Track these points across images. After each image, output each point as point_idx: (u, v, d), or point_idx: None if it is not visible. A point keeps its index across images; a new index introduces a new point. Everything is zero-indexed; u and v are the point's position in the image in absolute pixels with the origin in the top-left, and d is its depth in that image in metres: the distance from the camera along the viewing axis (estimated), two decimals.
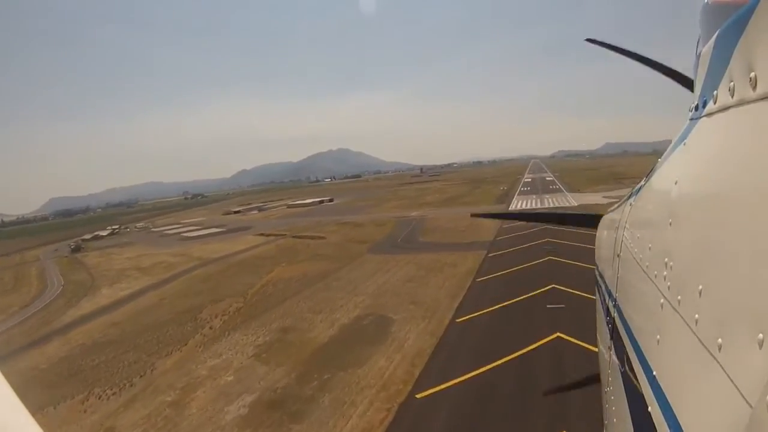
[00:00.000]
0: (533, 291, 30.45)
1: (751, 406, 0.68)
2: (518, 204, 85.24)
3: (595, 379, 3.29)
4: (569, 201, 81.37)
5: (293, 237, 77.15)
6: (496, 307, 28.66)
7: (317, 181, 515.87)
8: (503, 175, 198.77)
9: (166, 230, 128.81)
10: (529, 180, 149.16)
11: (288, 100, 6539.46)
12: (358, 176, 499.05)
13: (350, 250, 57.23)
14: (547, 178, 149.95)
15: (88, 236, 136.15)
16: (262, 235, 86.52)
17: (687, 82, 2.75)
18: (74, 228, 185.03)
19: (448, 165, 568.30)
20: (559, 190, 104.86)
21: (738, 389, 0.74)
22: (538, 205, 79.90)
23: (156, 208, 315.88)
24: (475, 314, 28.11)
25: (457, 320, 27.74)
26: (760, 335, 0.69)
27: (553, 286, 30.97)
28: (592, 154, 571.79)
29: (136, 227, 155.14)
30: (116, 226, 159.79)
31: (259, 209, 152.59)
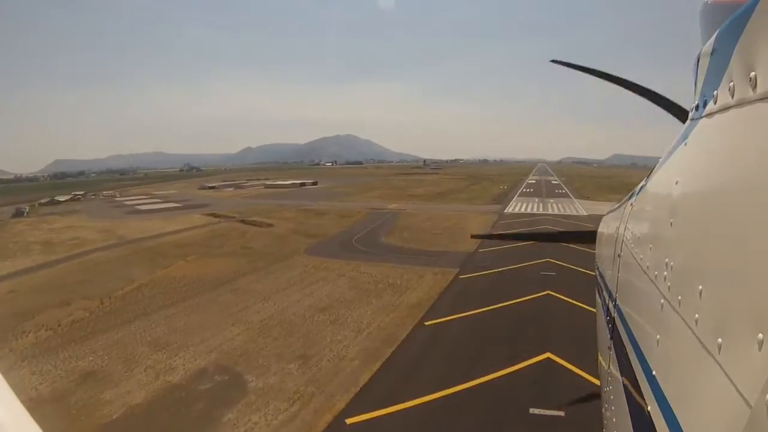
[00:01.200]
0: (512, 365, 16.85)
1: (750, 406, 0.67)
2: (517, 207, 71.24)
3: None
4: (577, 209, 67.42)
5: (240, 221, 64.11)
6: (436, 396, 14.96)
7: (317, 164, 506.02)
8: (507, 174, 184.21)
9: (126, 201, 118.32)
10: (533, 182, 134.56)
11: (299, 83, 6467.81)
12: (360, 163, 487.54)
13: (287, 247, 43.71)
14: (553, 182, 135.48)
15: (44, 200, 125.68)
16: (211, 215, 73.85)
17: (662, 102, 2.87)
18: (57, 189, 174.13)
19: (454, 161, 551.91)
20: (565, 196, 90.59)
21: (737, 389, 0.73)
22: (540, 210, 65.98)
23: (148, 177, 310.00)
24: (392, 410, 14.40)
25: (348, 421, 14.02)
26: (760, 336, 0.68)
27: (548, 356, 17.40)
28: (600, 163, 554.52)
29: (102, 195, 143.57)
30: (80, 192, 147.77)
31: (236, 187, 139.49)
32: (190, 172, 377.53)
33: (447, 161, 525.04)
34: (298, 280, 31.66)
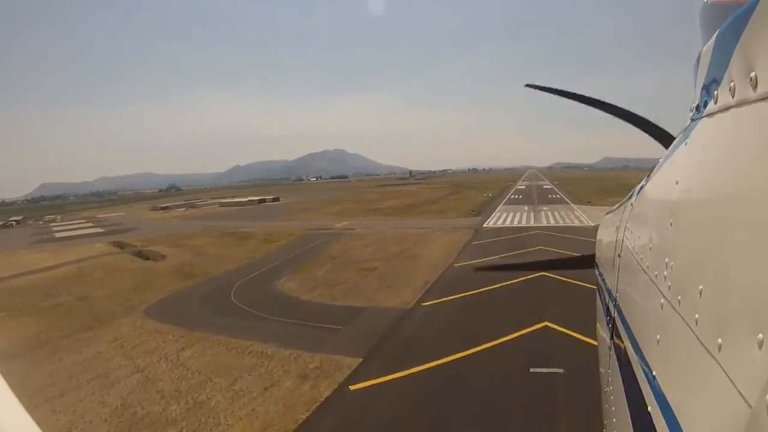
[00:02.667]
0: None
1: (750, 406, 0.67)
2: (500, 219, 55.93)
3: None
4: (579, 218, 52.25)
5: (134, 252, 48.51)
6: None
7: (301, 179, 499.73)
8: (495, 181, 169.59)
9: (57, 227, 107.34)
10: (523, 188, 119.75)
11: (287, 99, 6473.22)
12: (345, 177, 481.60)
13: (137, 297, 27.98)
14: (545, 186, 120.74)
15: None
16: (113, 244, 58.74)
17: (644, 125, 2.91)
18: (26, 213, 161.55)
19: (443, 171, 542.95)
20: (561, 201, 75.56)
21: (737, 389, 0.74)
22: (531, 222, 50.77)
23: (121, 198, 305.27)
24: None
25: None
26: (760, 335, 0.69)
27: None
28: (591, 167, 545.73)
29: (43, 220, 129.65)
30: (17, 218, 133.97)
31: (188, 206, 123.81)
32: (170, 192, 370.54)
33: (436, 172, 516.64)
34: (37, 390, 15.84)
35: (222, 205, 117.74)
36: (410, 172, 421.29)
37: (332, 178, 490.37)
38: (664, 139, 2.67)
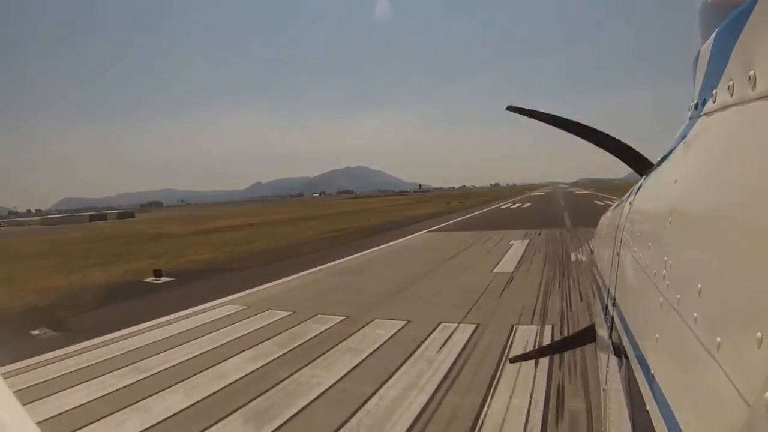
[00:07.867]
0: None
1: (748, 405, 0.62)
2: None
3: None
4: None
5: None
6: None
7: (301, 195, 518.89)
8: (512, 192, 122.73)
9: None
10: (542, 194, 71.80)
11: (312, 116, 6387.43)
12: (351, 191, 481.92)
13: None
14: (578, 192, 73.68)
15: None
16: None
17: (622, 152, 2.63)
18: None
19: (462, 186, 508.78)
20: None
21: (736, 388, 0.68)
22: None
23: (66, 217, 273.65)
24: None
25: None
26: (759, 334, 0.63)
27: None
28: (621, 181, 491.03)
29: None
30: None
31: (13, 224, 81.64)
32: (149, 207, 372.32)
33: (455, 187, 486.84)
34: None
35: (44, 222, 76.13)
36: (419, 186, 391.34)
37: (338, 193, 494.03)
38: (642, 165, 2.42)
